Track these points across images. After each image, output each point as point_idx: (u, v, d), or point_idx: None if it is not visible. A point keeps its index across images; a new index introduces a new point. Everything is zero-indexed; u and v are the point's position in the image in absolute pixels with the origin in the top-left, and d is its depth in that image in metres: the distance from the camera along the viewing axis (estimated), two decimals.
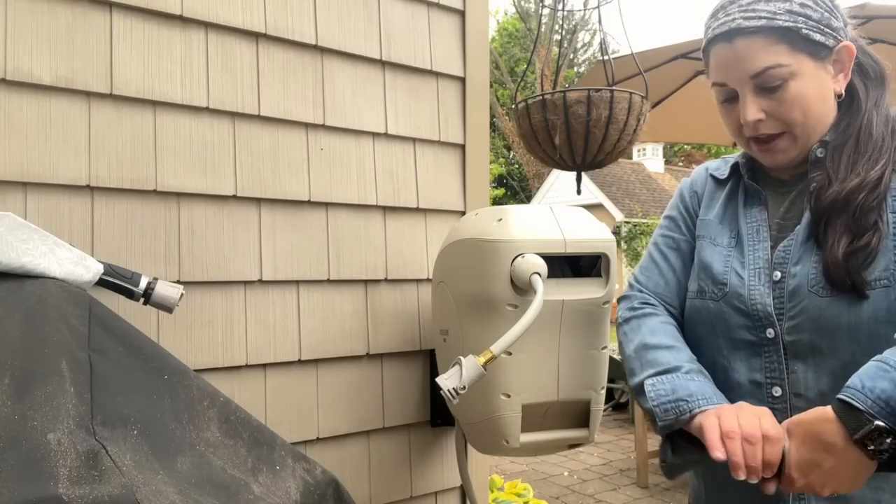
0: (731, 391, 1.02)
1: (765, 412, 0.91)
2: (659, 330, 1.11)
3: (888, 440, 0.77)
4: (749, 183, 1.10)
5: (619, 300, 1.25)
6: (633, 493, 4.55)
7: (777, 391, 0.98)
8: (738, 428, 0.87)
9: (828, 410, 0.83)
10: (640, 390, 1.06)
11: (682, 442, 1.02)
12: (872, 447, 0.78)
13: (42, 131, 1.27)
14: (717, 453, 0.87)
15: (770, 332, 0.99)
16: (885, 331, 0.90)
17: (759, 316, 1.00)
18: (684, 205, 1.20)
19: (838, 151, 1.00)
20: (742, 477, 0.86)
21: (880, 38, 4.34)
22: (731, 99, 1.03)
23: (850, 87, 1.03)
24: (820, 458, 0.82)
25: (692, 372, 1.02)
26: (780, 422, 0.93)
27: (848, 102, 1.03)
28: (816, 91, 0.99)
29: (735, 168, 1.14)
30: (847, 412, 0.80)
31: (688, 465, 1.07)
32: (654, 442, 5.45)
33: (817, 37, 0.97)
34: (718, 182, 1.16)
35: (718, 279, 1.05)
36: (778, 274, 0.99)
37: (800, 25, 0.96)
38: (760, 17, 0.96)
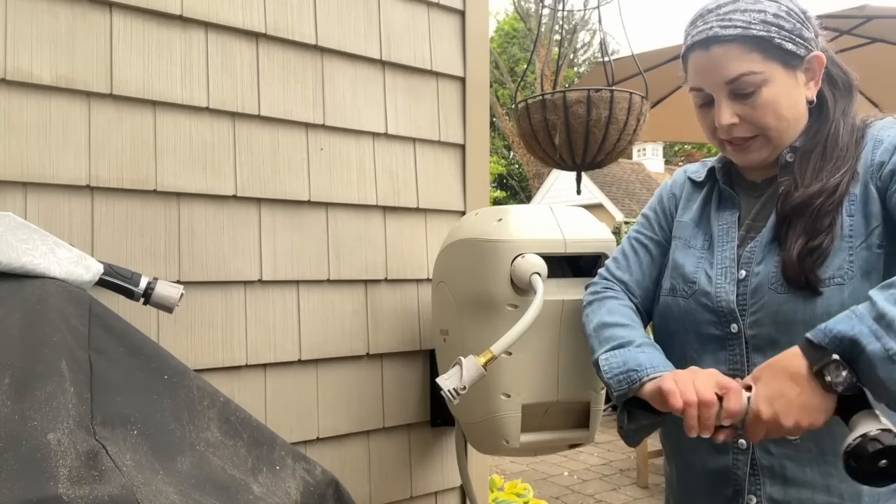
0: None
1: (715, 372, 0.98)
2: (616, 310, 1.17)
3: (843, 373, 0.84)
4: (723, 187, 1.15)
5: (587, 287, 1.29)
6: (633, 493, 4.55)
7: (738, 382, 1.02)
8: (694, 396, 0.94)
9: (795, 347, 0.89)
10: (596, 366, 1.13)
11: (636, 410, 1.10)
12: (829, 378, 0.85)
13: (42, 131, 1.27)
14: (679, 412, 0.96)
15: (734, 327, 1.05)
16: None
17: (723, 312, 1.06)
18: (661, 206, 1.26)
19: (806, 157, 1.05)
20: (694, 435, 0.94)
21: (880, 38, 4.34)
22: (707, 104, 1.08)
23: (820, 96, 1.08)
24: (785, 387, 0.88)
25: (643, 345, 1.10)
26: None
27: (818, 110, 1.08)
28: (787, 97, 1.03)
29: (711, 172, 1.19)
30: (810, 348, 0.87)
31: (644, 430, 1.14)
32: (654, 442, 5.45)
33: (789, 46, 1.01)
34: (696, 185, 1.21)
35: (689, 278, 1.11)
36: (743, 272, 1.05)
37: (773, 35, 1.01)
38: (736, 27, 1.01)
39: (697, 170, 1.24)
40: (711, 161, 1.22)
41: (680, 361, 1.10)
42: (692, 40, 1.06)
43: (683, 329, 1.12)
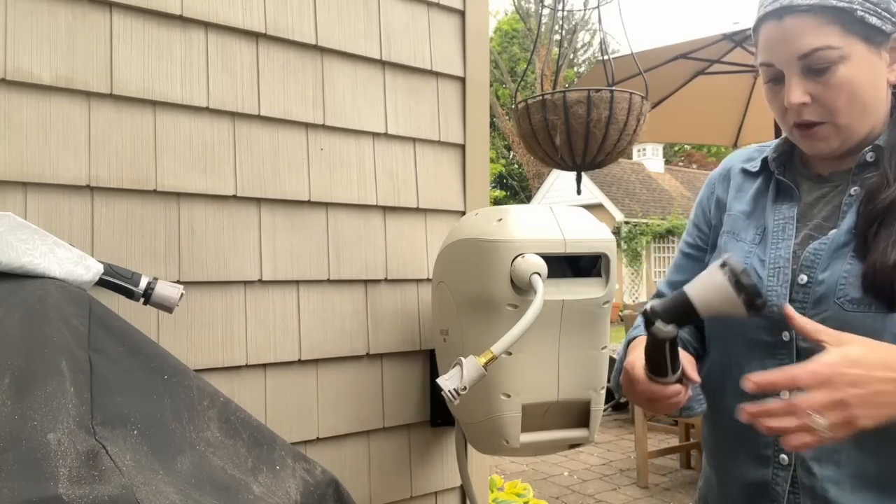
0: (744, 392, 1.01)
1: None
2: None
3: None
4: (780, 178, 1.05)
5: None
6: (633, 493, 4.55)
7: (786, 394, 0.95)
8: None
9: None
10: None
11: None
12: None
13: (42, 131, 1.26)
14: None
15: (786, 336, 0.97)
16: None
17: (775, 318, 0.97)
18: (701, 207, 1.18)
19: (891, 149, 0.94)
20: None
21: None
22: (777, 80, 0.98)
23: None
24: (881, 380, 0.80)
25: None
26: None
27: None
28: (867, 79, 0.93)
29: (765, 162, 1.09)
30: None
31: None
32: (654, 442, 5.45)
33: (874, 20, 0.91)
34: (749, 174, 1.11)
35: None
36: (804, 277, 0.96)
37: (855, 7, 0.91)
38: None
39: (752, 157, 1.13)
40: (770, 145, 1.11)
41: (722, 367, 1.04)
42: (765, 10, 0.96)
43: (728, 332, 1.04)
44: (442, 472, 1.78)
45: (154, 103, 1.38)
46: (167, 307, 1.17)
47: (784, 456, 0.97)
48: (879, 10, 0.92)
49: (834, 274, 0.93)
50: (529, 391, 1.37)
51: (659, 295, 1.20)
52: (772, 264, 1.00)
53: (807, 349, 0.95)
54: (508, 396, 1.37)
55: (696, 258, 1.17)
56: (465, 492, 1.76)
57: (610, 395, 7.20)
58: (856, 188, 0.97)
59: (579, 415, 1.45)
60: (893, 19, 0.93)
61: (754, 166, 1.11)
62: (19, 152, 1.24)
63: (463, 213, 1.82)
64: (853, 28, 0.92)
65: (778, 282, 0.98)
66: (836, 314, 0.91)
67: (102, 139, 1.32)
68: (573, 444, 1.49)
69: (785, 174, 1.06)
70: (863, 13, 0.91)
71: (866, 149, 0.97)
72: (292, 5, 1.56)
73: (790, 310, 0.86)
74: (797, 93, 0.94)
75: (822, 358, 0.80)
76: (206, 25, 1.45)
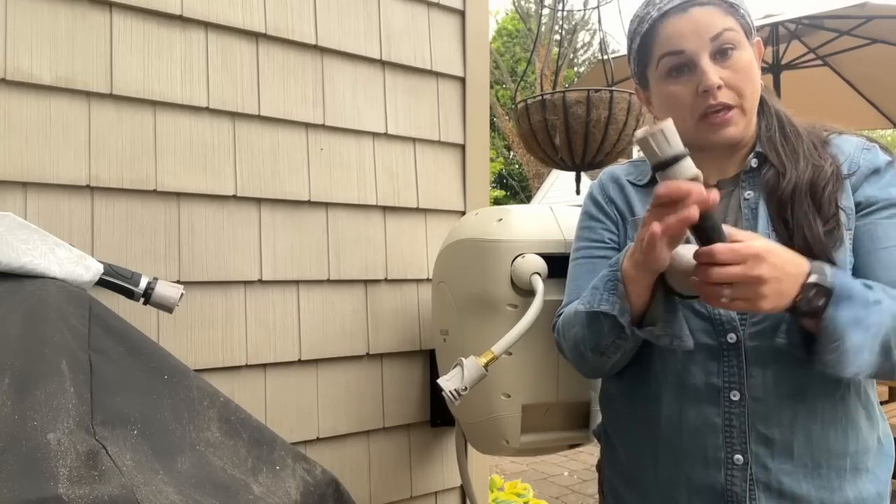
0: (685, 395, 1.01)
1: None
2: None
3: (820, 302, 0.85)
4: None
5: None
6: None
7: (735, 395, 0.97)
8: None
9: (803, 258, 0.88)
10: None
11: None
12: (808, 294, 0.85)
13: (42, 131, 1.27)
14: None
15: (731, 337, 0.98)
16: None
17: (721, 321, 0.98)
18: (604, 213, 1.15)
19: (772, 146, 1.02)
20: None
21: (880, 39, 4.34)
22: (681, 69, 1.01)
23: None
24: (786, 267, 0.86)
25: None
26: (736, 428, 0.97)
27: (759, 105, 1.06)
28: (755, 68, 1.02)
29: (654, 177, 1.06)
30: (818, 267, 0.87)
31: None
32: None
33: (749, 21, 1.03)
34: (639, 187, 1.12)
35: None
36: None
37: (738, 5, 1.02)
38: None
39: (630, 172, 1.15)
40: (637, 164, 1.14)
41: (662, 371, 1.03)
42: (667, 7, 1.02)
43: None
44: (442, 472, 1.78)
45: (154, 103, 1.38)
46: (167, 307, 1.17)
47: (738, 456, 0.97)
48: (749, 15, 1.03)
49: None
50: (529, 391, 1.37)
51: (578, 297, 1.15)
52: None
53: (753, 349, 0.97)
54: (509, 397, 1.37)
55: (608, 259, 1.10)
56: (465, 492, 1.76)
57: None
58: (749, 192, 1.02)
59: (579, 415, 1.45)
60: (752, 28, 1.04)
61: (640, 179, 1.12)
62: (19, 152, 1.24)
63: (463, 213, 1.82)
64: (741, 22, 1.02)
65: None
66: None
67: (102, 139, 1.32)
68: (573, 444, 1.49)
69: None
70: (744, 12, 1.03)
71: (751, 156, 1.04)
72: (292, 5, 1.56)
73: (731, 229, 0.88)
74: (713, 75, 0.98)
75: (748, 241, 0.85)
76: (206, 25, 1.45)
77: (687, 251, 0.89)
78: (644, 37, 1.05)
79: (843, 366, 0.86)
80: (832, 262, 0.93)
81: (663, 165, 0.84)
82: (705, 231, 0.85)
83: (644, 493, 1.10)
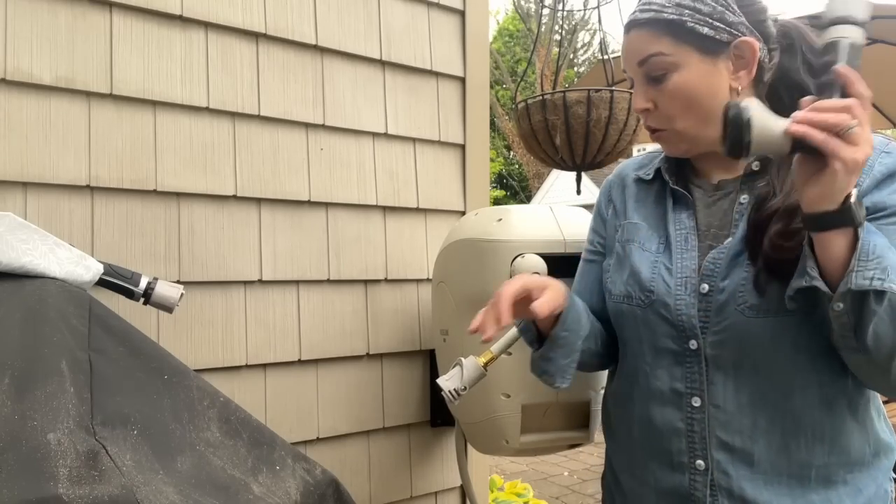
0: (652, 398, 1.03)
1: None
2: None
3: (862, 210, 0.80)
4: (675, 188, 1.07)
5: None
6: None
7: (696, 401, 0.98)
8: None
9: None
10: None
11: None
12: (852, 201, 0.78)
13: (42, 131, 1.27)
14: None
15: (693, 344, 0.98)
16: (806, 344, 0.91)
17: (683, 327, 0.99)
18: (599, 216, 1.20)
19: (785, 163, 0.94)
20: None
21: (880, 39, 4.34)
22: (635, 88, 1.05)
23: (775, 93, 1.00)
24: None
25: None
26: (697, 433, 0.97)
27: (774, 108, 1.00)
28: (704, 86, 0.97)
29: (658, 171, 1.11)
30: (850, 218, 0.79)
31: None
32: None
33: (705, 30, 0.96)
34: (643, 183, 1.13)
35: (646, 286, 1.03)
36: (706, 286, 0.97)
37: (685, 18, 0.97)
38: (651, 10, 0.99)
39: (643, 164, 1.15)
40: (657, 156, 1.13)
41: (632, 373, 1.06)
42: (626, 22, 1.04)
43: (637, 339, 1.05)
44: (442, 472, 1.78)
45: (154, 103, 1.38)
46: (167, 307, 1.17)
47: (700, 462, 0.98)
48: (712, 21, 0.96)
49: (733, 282, 0.95)
50: (529, 391, 1.37)
51: None
52: (679, 274, 1.01)
53: (714, 356, 0.97)
54: (508, 397, 1.37)
55: (597, 263, 1.18)
56: (464, 492, 1.76)
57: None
58: (745, 196, 1.00)
59: (579, 415, 1.45)
60: (730, 29, 0.97)
61: (647, 174, 1.13)
62: (19, 152, 1.24)
63: (463, 213, 1.82)
64: (685, 38, 0.97)
65: (686, 291, 0.99)
66: (738, 321, 0.94)
67: (102, 139, 1.32)
68: (573, 444, 1.49)
69: (678, 182, 1.07)
70: (693, 24, 0.96)
71: (752, 158, 0.99)
72: (292, 5, 1.56)
73: (843, 69, 0.80)
74: (640, 99, 1.02)
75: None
76: (206, 25, 1.45)
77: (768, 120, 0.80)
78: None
79: (883, 292, 0.78)
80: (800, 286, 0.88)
81: None
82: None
83: (623, 493, 1.12)
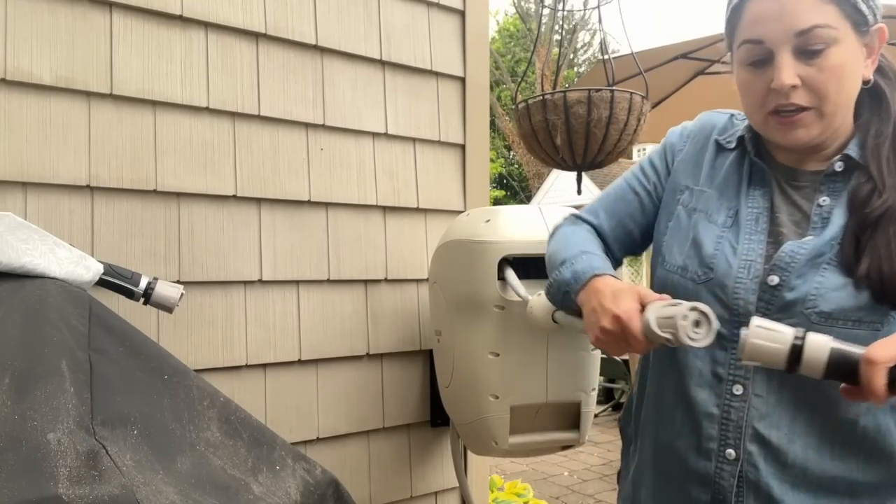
0: (690, 376, 0.99)
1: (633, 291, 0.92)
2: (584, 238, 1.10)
3: None
4: (755, 160, 0.99)
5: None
6: None
7: (738, 389, 0.94)
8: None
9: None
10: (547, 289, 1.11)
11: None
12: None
13: (42, 131, 1.27)
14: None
15: (744, 331, 0.92)
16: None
17: (738, 312, 0.93)
18: (666, 163, 1.11)
19: (875, 156, 0.90)
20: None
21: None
22: (761, 61, 0.92)
23: (877, 87, 0.94)
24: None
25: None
26: (733, 422, 0.94)
27: (874, 102, 0.94)
28: (853, 66, 0.89)
29: (741, 139, 1.03)
30: None
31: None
32: None
33: (863, 7, 0.88)
34: (722, 149, 1.04)
35: (706, 261, 0.97)
36: (775, 279, 0.91)
37: None
38: None
39: (726, 129, 1.06)
40: (740, 121, 1.04)
41: (666, 355, 1.01)
42: None
43: (674, 360, 1.00)
44: (442, 472, 1.78)
45: (154, 103, 1.38)
46: (167, 307, 1.17)
47: (731, 451, 0.94)
48: (864, 2, 0.89)
49: (807, 284, 0.90)
50: (518, 393, 1.37)
51: (593, 212, 1.16)
52: (744, 256, 0.95)
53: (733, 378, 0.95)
54: (497, 398, 1.36)
55: (639, 199, 1.11)
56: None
57: (609, 395, 7.18)
58: (825, 198, 0.94)
59: (570, 416, 1.44)
60: (876, 11, 0.90)
61: (729, 141, 1.04)
62: (19, 152, 1.24)
63: None
64: (847, 11, 0.88)
65: (748, 275, 0.94)
66: (801, 323, 0.87)
67: (102, 139, 1.32)
68: (565, 446, 1.48)
69: (757, 156, 1.00)
70: None
71: (835, 158, 0.94)
72: (292, 5, 1.56)
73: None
74: (789, 73, 0.88)
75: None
76: (206, 25, 1.45)
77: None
78: (733, 11, 0.95)
79: None
80: None
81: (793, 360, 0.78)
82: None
83: (647, 456, 1.09)
